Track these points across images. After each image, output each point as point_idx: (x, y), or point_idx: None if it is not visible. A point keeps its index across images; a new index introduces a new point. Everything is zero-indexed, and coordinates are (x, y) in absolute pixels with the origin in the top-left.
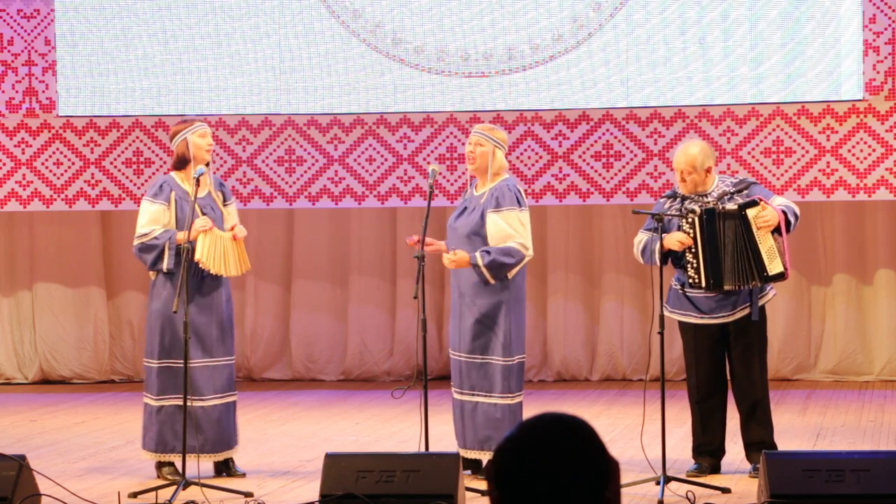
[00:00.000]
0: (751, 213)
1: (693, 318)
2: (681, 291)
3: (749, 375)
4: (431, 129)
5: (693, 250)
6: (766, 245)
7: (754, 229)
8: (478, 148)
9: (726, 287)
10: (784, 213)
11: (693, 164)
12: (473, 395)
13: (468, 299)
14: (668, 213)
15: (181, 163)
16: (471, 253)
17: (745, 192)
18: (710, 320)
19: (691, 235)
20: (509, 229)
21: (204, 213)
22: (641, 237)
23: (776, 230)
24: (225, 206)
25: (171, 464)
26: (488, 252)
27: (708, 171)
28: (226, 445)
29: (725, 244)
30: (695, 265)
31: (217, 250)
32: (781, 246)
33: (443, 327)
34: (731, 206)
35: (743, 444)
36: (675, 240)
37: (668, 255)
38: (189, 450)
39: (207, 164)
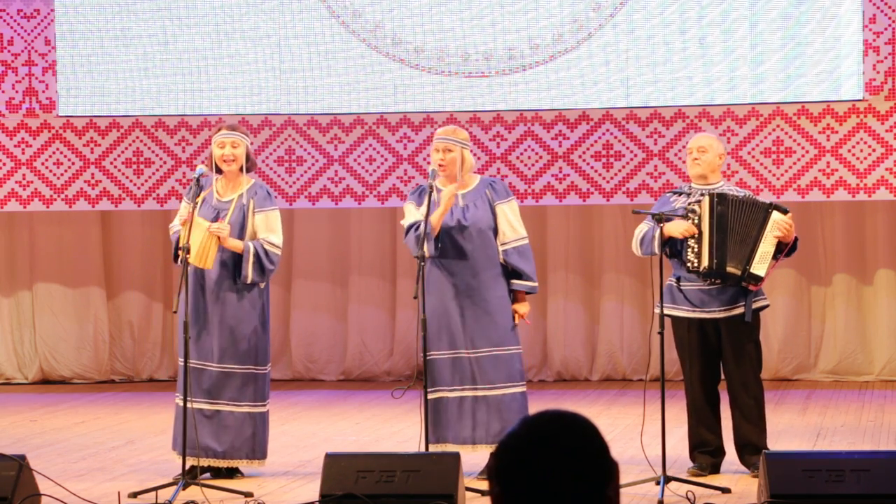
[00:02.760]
0: (775, 215)
1: (685, 312)
2: (675, 285)
3: (740, 376)
4: (431, 129)
5: (696, 235)
6: (766, 248)
7: (768, 228)
8: (447, 154)
9: (729, 269)
10: (797, 239)
11: (710, 142)
12: (494, 388)
13: (479, 294)
14: (669, 213)
15: (216, 169)
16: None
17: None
18: (701, 314)
19: (696, 223)
20: (518, 225)
21: (218, 216)
22: (642, 227)
23: (779, 250)
24: (254, 214)
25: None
26: (527, 276)
27: (720, 157)
28: (227, 455)
29: (734, 229)
30: (696, 249)
31: (194, 239)
32: (775, 260)
33: None
34: (762, 199)
35: (735, 445)
36: (679, 228)
37: (666, 244)
38: (193, 451)
39: (243, 170)
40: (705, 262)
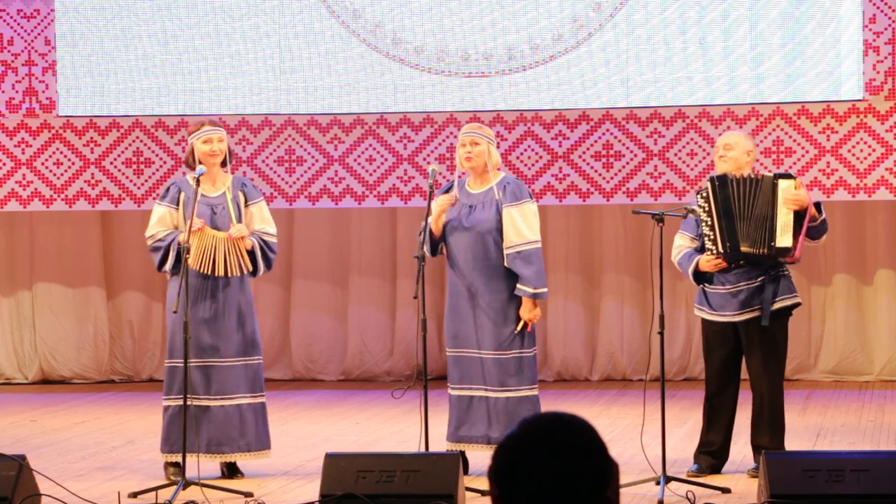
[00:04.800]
0: (782, 183)
1: (706, 314)
2: (702, 287)
3: (756, 377)
4: (431, 129)
5: (709, 222)
6: (784, 219)
7: (779, 200)
8: (475, 147)
9: (743, 249)
10: (819, 207)
11: (737, 140)
12: (504, 390)
13: (486, 296)
14: (667, 213)
15: (189, 166)
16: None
17: None
18: (718, 317)
19: (707, 211)
20: (525, 229)
21: (214, 213)
22: (679, 246)
23: (801, 216)
24: (247, 206)
25: (177, 464)
26: (527, 281)
27: (748, 153)
28: (229, 447)
29: (742, 210)
30: (712, 237)
31: (207, 250)
32: (800, 228)
33: (443, 327)
34: (766, 174)
35: (751, 445)
36: (710, 264)
37: (703, 276)
38: (189, 449)
39: (224, 164)
40: (720, 248)
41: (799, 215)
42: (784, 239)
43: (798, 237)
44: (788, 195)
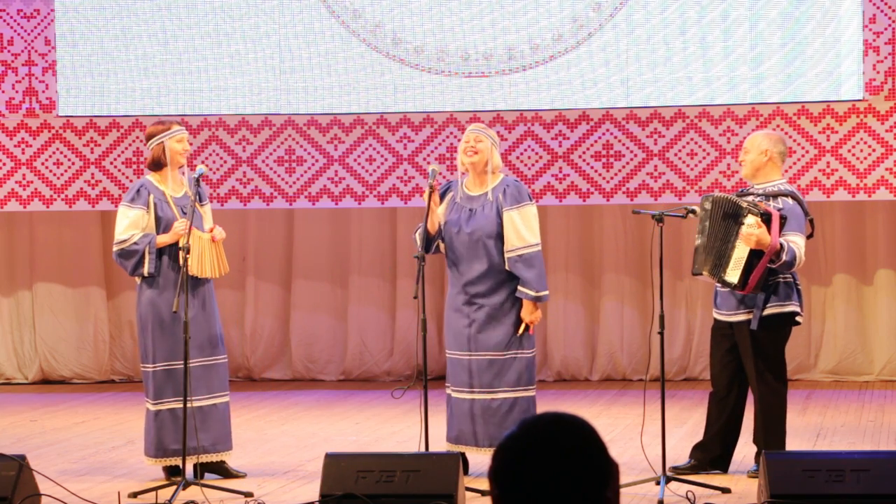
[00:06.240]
0: (748, 219)
1: (714, 314)
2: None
3: (753, 381)
4: (431, 129)
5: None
6: (738, 255)
7: (739, 234)
8: (479, 144)
9: (694, 270)
10: (782, 247)
11: (751, 142)
12: (497, 391)
13: (485, 298)
14: (669, 212)
15: (157, 165)
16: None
17: (777, 198)
18: (718, 315)
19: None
20: (526, 232)
21: (184, 214)
22: None
23: (758, 253)
24: (201, 206)
25: (177, 467)
26: (529, 284)
27: (765, 153)
28: (222, 446)
29: (713, 231)
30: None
31: (196, 251)
32: (752, 267)
33: (443, 327)
34: (744, 202)
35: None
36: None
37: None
38: (189, 451)
39: (181, 166)
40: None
41: (758, 252)
42: (732, 274)
43: (750, 275)
44: (745, 231)
